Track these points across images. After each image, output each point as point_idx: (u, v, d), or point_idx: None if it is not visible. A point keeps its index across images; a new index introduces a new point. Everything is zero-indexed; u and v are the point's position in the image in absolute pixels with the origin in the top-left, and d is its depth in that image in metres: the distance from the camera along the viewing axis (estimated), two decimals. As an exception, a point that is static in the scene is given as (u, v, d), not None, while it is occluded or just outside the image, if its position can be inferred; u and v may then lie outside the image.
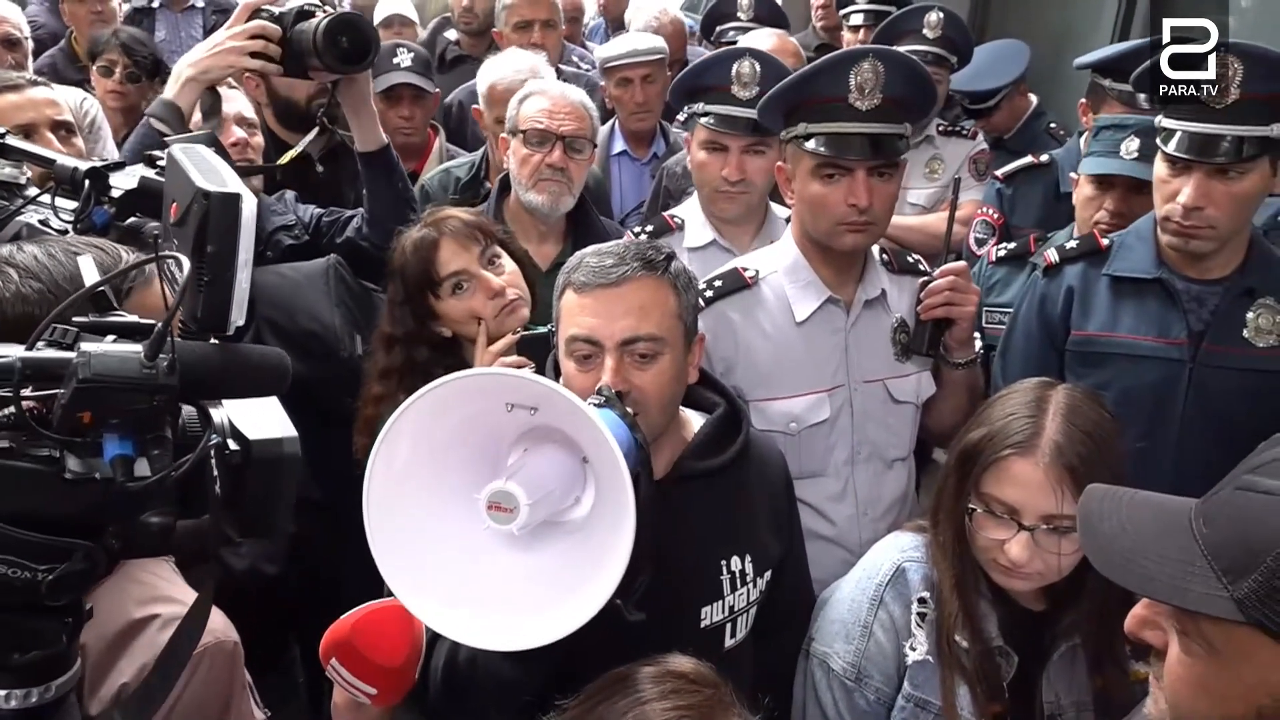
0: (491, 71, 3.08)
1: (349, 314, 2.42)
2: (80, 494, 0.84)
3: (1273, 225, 2.64)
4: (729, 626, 1.69)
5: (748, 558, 1.70)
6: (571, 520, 1.29)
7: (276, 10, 2.25)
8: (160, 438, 0.86)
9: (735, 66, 2.51)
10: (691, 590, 1.65)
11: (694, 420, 1.75)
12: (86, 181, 1.57)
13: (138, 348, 0.83)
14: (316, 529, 2.08)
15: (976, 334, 2.22)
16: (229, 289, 0.89)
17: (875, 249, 2.19)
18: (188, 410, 0.90)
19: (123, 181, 1.59)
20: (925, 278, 2.18)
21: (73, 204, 1.59)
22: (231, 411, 0.90)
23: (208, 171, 0.90)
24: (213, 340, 0.91)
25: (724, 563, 1.68)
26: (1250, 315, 2.19)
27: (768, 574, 1.74)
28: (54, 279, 1.20)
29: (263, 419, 0.90)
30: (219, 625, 1.28)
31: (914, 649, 1.70)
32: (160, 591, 1.26)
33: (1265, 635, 0.93)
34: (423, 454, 1.20)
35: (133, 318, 0.90)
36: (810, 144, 2.00)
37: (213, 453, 0.87)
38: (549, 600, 1.21)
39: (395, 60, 3.40)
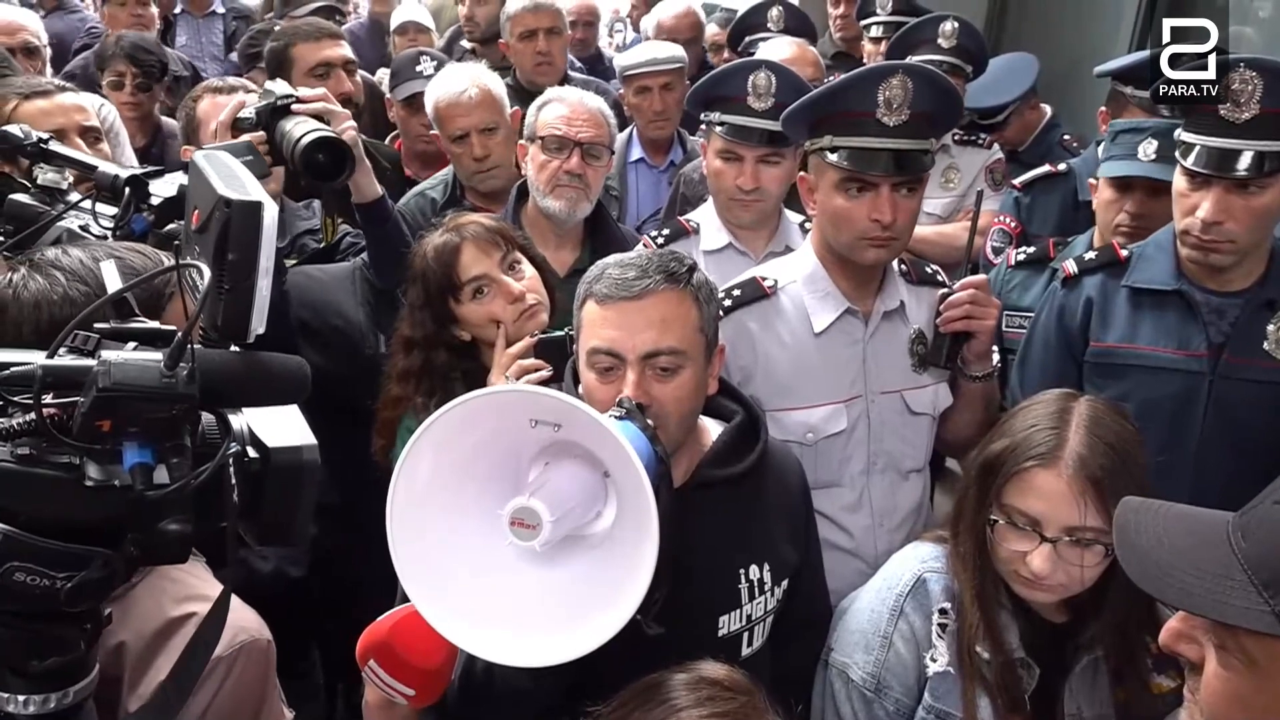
0: (433, 91, 2.97)
1: (373, 313, 2.46)
2: (100, 501, 0.84)
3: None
4: (746, 635, 1.68)
5: (765, 566, 1.69)
6: (593, 535, 1.28)
7: (253, 113, 2.22)
8: (180, 446, 0.86)
9: (751, 78, 2.50)
10: (709, 599, 1.64)
11: (712, 428, 1.75)
12: (127, 189, 1.58)
13: (158, 356, 0.83)
14: (335, 532, 2.10)
15: (994, 347, 2.21)
16: (250, 297, 0.88)
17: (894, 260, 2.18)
18: (207, 418, 0.90)
19: (162, 189, 1.61)
20: (944, 289, 2.17)
21: (112, 210, 1.60)
22: (251, 419, 0.90)
23: (229, 179, 0.90)
24: (233, 348, 0.91)
25: (742, 571, 1.67)
26: (1271, 328, 2.17)
27: (785, 583, 1.73)
28: (100, 282, 1.21)
29: (282, 427, 0.90)
30: (253, 624, 1.29)
31: (934, 660, 1.69)
32: (196, 590, 1.27)
33: None
34: (445, 470, 1.19)
35: (153, 324, 0.90)
36: (835, 157, 1.98)
37: (231, 461, 0.87)
38: (571, 616, 1.20)
39: (418, 68, 3.37)
